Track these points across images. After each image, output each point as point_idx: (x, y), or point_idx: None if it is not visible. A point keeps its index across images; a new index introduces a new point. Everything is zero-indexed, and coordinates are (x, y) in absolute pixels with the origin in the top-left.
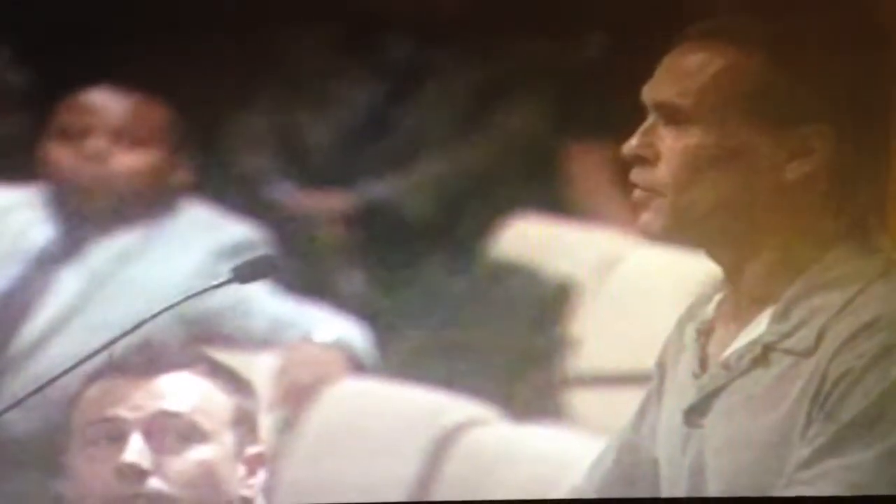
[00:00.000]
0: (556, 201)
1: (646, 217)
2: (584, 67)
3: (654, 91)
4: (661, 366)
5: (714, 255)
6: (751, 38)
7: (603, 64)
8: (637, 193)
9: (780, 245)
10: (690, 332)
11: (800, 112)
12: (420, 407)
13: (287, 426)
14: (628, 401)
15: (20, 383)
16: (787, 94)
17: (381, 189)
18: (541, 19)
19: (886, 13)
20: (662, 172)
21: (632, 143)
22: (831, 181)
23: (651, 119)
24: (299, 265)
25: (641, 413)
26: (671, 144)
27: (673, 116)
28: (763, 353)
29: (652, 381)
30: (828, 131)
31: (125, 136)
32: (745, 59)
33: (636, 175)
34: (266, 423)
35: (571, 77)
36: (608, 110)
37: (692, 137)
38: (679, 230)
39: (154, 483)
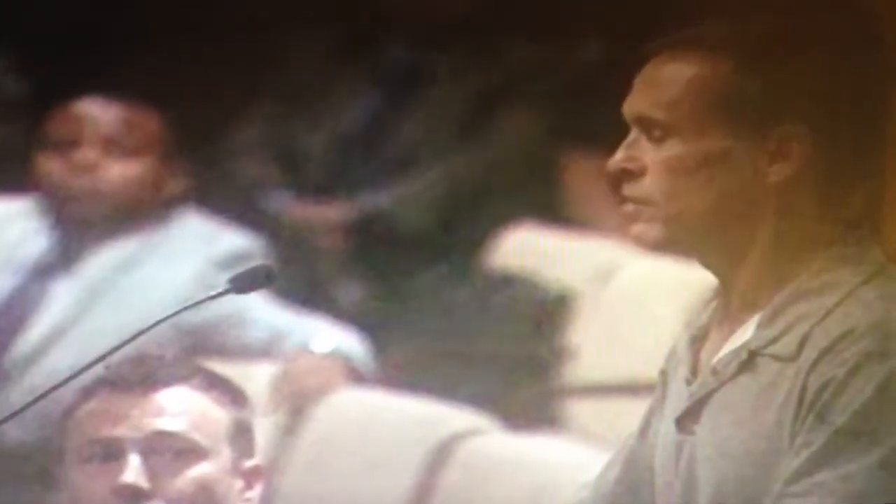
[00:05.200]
0: (554, 210)
1: (638, 228)
2: (583, 75)
3: (631, 106)
4: (664, 374)
5: (707, 263)
6: (720, 44)
7: (601, 71)
8: (627, 206)
9: (770, 250)
10: (684, 339)
11: (774, 114)
12: (417, 416)
13: (285, 437)
14: (626, 410)
15: (17, 394)
16: (760, 98)
17: (378, 198)
18: (539, 27)
19: (882, 13)
20: (650, 185)
21: (616, 159)
22: (819, 183)
23: (633, 133)
24: (297, 275)
25: (647, 421)
26: (654, 157)
27: (652, 129)
28: (749, 359)
29: (655, 389)
30: (804, 132)
31: (116, 145)
32: (715, 66)
33: (627, 189)
34: (263, 434)
35: (570, 85)
36: (606, 118)
37: (672, 148)
38: (673, 240)
39: None
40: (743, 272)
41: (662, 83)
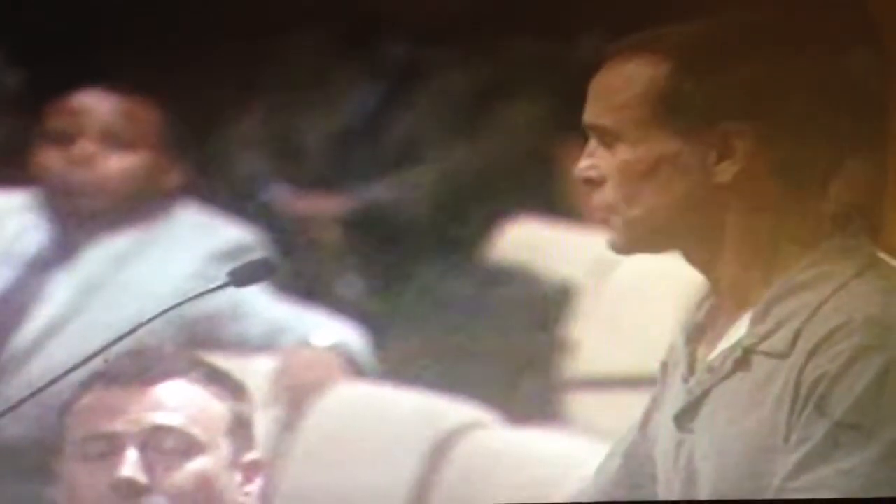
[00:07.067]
0: (554, 203)
1: (610, 236)
2: (582, 68)
3: (586, 115)
4: (665, 366)
5: (689, 260)
6: (660, 47)
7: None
8: (596, 214)
9: (745, 246)
10: (681, 336)
11: (715, 113)
12: (418, 411)
13: (284, 431)
14: (627, 404)
15: (15, 388)
16: (700, 97)
17: (377, 191)
18: (538, 20)
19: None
20: (610, 192)
21: (580, 167)
22: (783, 178)
23: (592, 142)
24: (296, 268)
25: (647, 415)
26: (610, 163)
27: (603, 136)
28: (744, 356)
29: (655, 383)
30: (745, 129)
31: (114, 138)
32: (654, 69)
33: (592, 197)
34: (263, 428)
35: (569, 78)
36: None
37: (623, 154)
38: (639, 243)
39: (151, 499)
40: (721, 269)
41: (607, 90)
